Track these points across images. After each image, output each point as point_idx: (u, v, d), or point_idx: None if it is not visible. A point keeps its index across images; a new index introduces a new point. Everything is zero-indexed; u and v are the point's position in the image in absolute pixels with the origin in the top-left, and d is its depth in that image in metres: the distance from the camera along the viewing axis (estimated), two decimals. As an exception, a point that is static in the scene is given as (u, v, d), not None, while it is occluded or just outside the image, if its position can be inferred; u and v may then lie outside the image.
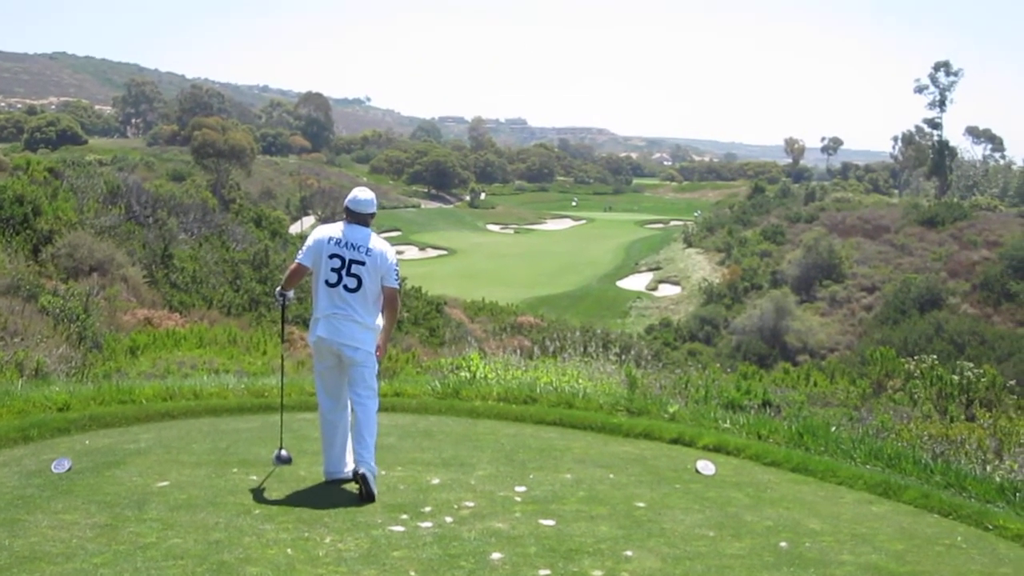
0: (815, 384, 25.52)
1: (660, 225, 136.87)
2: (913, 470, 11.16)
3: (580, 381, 16.35)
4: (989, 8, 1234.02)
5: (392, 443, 11.40)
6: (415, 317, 46.23)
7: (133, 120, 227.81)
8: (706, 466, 10.71)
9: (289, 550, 7.52)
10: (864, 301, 74.20)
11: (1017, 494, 10.48)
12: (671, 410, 13.71)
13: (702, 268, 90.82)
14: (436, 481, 9.75)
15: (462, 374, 16.96)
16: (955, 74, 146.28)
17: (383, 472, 9.89)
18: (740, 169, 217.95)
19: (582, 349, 19.93)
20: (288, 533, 7.91)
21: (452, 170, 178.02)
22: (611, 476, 10.26)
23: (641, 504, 9.30)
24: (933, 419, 17.62)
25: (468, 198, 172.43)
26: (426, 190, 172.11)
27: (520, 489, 9.53)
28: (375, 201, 10.05)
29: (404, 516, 8.49)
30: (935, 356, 22.15)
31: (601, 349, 20.23)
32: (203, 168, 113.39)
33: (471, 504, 8.99)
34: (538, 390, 14.96)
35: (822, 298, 76.75)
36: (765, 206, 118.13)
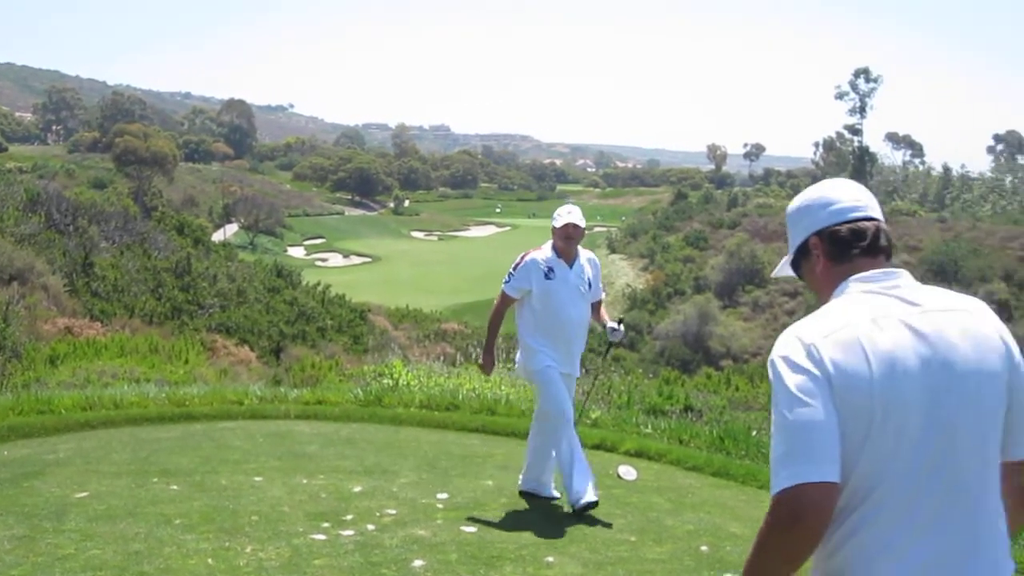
0: (737, 388, 25.61)
1: (586, 231, 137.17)
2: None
3: (503, 387, 16.40)
4: (908, 16, 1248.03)
5: (314, 451, 11.38)
6: (339, 325, 46.08)
7: (54, 127, 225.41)
8: (628, 471, 10.75)
9: (210, 560, 7.46)
10: (786, 306, 74.70)
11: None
12: (593, 416, 13.75)
13: (626, 274, 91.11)
14: (358, 489, 9.73)
15: (385, 381, 16.98)
16: (875, 80, 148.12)
17: (304, 481, 9.88)
18: (663, 175, 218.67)
19: (505, 356, 19.97)
20: (209, 543, 7.83)
21: (376, 177, 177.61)
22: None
23: (565, 509, 9.34)
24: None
25: (392, 205, 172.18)
26: (350, 197, 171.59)
27: (442, 496, 9.53)
28: None
29: (326, 524, 8.45)
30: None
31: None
32: (125, 176, 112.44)
33: (393, 511, 8.97)
34: (461, 397, 14.99)
35: (745, 303, 77.24)
36: (688, 212, 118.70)
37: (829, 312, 3.13)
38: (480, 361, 10.00)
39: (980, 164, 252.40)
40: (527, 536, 8.42)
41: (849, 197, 3.37)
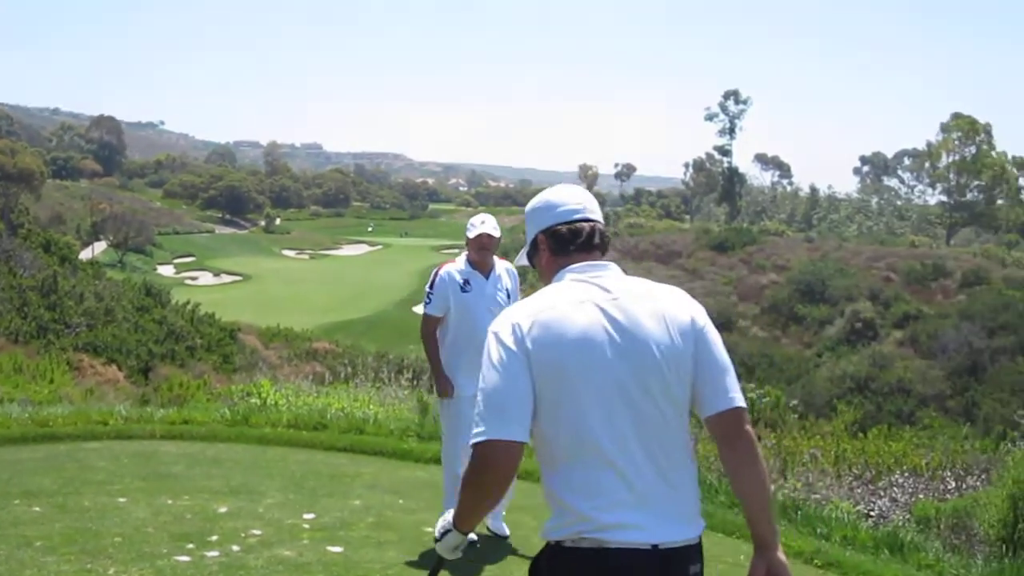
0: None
1: (456, 250, 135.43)
2: (699, 491, 11.42)
3: (371, 407, 16.38)
4: (777, 39, 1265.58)
5: (179, 471, 11.29)
6: (208, 344, 45.69)
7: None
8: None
9: (71, 582, 7.42)
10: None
11: (799, 512, 10.79)
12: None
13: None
14: (224, 510, 9.68)
15: (253, 400, 16.86)
16: (744, 102, 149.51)
17: (169, 501, 9.81)
18: (535, 195, 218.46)
19: (374, 374, 19.96)
20: (71, 565, 7.74)
21: (247, 195, 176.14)
22: (401, 501, 10.30)
23: (430, 529, 9.31)
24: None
25: (263, 223, 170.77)
26: (221, 215, 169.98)
27: (309, 516, 9.52)
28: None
29: (190, 545, 8.40)
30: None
31: (394, 374, 20.29)
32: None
33: (259, 532, 8.95)
34: (329, 416, 14.94)
35: (616, 322, 77.62)
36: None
37: (540, 296, 3.86)
38: (435, 390, 9.33)
39: (847, 185, 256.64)
40: (392, 555, 8.45)
41: (571, 201, 4.11)
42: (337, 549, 8.52)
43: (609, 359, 3.66)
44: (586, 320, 3.68)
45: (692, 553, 3.73)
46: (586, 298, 3.76)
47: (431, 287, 9.10)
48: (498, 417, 3.58)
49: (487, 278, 9.07)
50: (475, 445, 3.59)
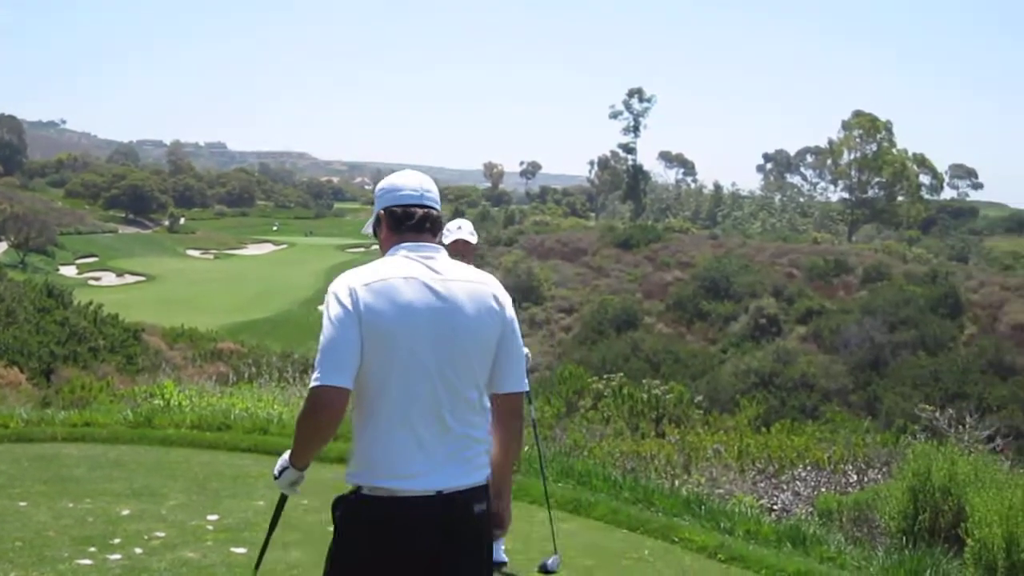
0: (528, 401, 25.77)
1: (361, 249, 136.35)
2: (603, 486, 11.47)
3: (276, 406, 16.32)
4: (680, 36, 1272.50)
5: (81, 474, 11.20)
6: (112, 345, 45.21)
7: None
8: (401, 489, 10.80)
9: (-30, 587, 7.34)
10: (563, 322, 75.31)
11: (703, 507, 10.87)
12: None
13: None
14: (126, 512, 9.61)
15: (156, 402, 16.74)
16: (648, 100, 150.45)
17: (71, 504, 9.72)
18: (441, 193, 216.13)
19: (279, 374, 19.87)
20: (-30, 570, 7.68)
21: (150, 195, 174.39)
22: (305, 501, 10.25)
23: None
24: (625, 436, 18.08)
25: (167, 223, 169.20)
26: (124, 215, 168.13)
27: (212, 517, 9.47)
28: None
29: (92, 548, 8.33)
30: (623, 375, 22.74)
31: (299, 374, 20.20)
32: None
33: (161, 534, 8.89)
34: (233, 416, 14.89)
35: (523, 320, 76.76)
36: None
37: (375, 266, 4.43)
38: None
39: (750, 182, 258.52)
40: (297, 556, 8.44)
41: (411, 186, 4.76)
42: (241, 550, 8.48)
43: (426, 330, 4.26)
44: (412, 293, 4.28)
45: (476, 494, 4.36)
46: (414, 274, 4.36)
47: None
48: (332, 366, 4.14)
49: None
50: (312, 389, 4.14)
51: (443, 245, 7.83)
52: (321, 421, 4.18)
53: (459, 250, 8.24)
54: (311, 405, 4.17)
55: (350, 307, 4.21)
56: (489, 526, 4.47)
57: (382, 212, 4.73)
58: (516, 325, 4.58)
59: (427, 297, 4.30)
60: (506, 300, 4.57)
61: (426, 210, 4.71)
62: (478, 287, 4.50)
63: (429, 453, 4.23)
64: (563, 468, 12.14)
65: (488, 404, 4.48)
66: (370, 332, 4.19)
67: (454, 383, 4.30)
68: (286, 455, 4.50)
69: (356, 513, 4.31)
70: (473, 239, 8.59)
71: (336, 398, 4.12)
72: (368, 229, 4.90)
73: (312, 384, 4.14)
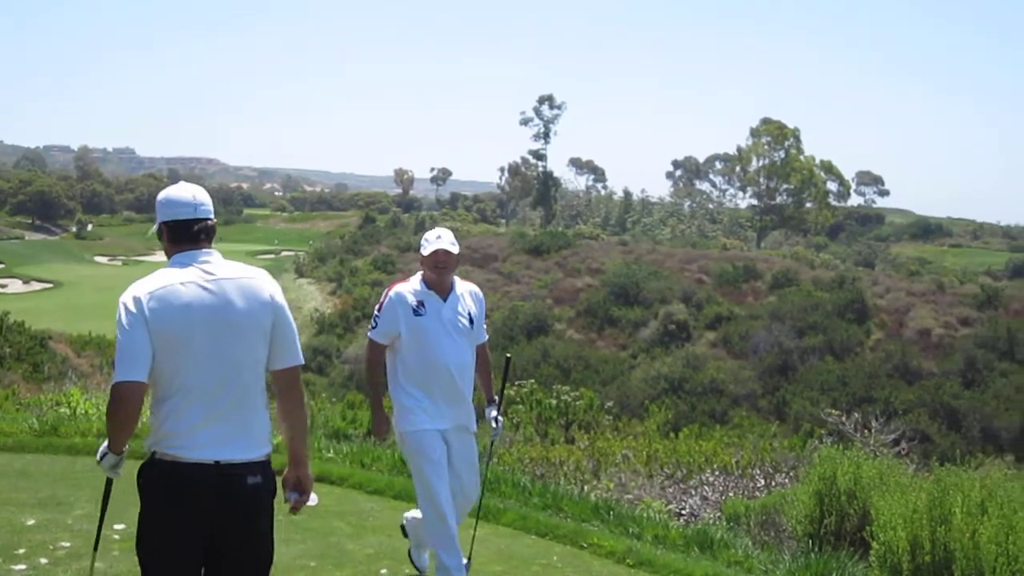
0: (423, 411, 25.86)
1: (272, 256, 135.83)
2: (512, 493, 11.49)
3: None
4: (590, 44, 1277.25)
5: (-14, 484, 11.07)
6: (17, 353, 44.70)
7: None
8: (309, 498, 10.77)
9: None
10: (476, 327, 75.26)
11: (611, 512, 10.91)
12: (274, 441, 13.70)
13: (314, 298, 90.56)
14: (31, 522, 9.52)
15: (62, 410, 16.57)
16: (558, 107, 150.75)
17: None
18: (351, 199, 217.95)
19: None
20: None
21: (57, 200, 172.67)
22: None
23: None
24: (534, 442, 18.13)
25: (75, 229, 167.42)
26: (30, 221, 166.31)
27: (120, 527, 9.36)
28: None
29: (-4, 559, 8.26)
30: (533, 381, 22.79)
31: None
32: None
33: (67, 544, 8.82)
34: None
35: (433, 327, 77.32)
36: (376, 236, 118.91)
37: (158, 275, 5.15)
38: (372, 428, 8.57)
39: (660, 189, 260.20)
40: (205, 564, 8.38)
41: (185, 201, 5.34)
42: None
43: (205, 323, 5.06)
44: (189, 295, 5.05)
45: (252, 468, 5.18)
46: (191, 278, 5.11)
47: (379, 310, 8.14)
48: (127, 365, 4.91)
49: (445, 300, 8.13)
50: (112, 386, 4.94)
51: (422, 255, 8.07)
52: (124, 411, 4.97)
53: (440, 260, 8.04)
54: (113, 399, 4.95)
55: (137, 313, 4.98)
56: (265, 496, 5.30)
57: (163, 225, 5.35)
58: (286, 311, 5.35)
59: (203, 296, 5.09)
60: (275, 290, 5.34)
61: (200, 222, 5.33)
62: (248, 282, 5.25)
63: (213, 430, 5.05)
64: (473, 475, 12.16)
65: (263, 387, 5.33)
66: (157, 332, 4.97)
67: (233, 367, 5.14)
68: (105, 443, 5.26)
69: (150, 474, 5.14)
70: (455, 249, 8.10)
71: (134, 390, 4.92)
72: (153, 230, 5.45)
73: (113, 382, 4.94)
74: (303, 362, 5.44)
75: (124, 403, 4.93)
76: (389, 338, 8.05)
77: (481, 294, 8.55)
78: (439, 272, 8.05)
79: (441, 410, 7.98)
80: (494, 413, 8.60)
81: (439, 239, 8.05)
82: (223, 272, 5.21)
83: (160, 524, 5.12)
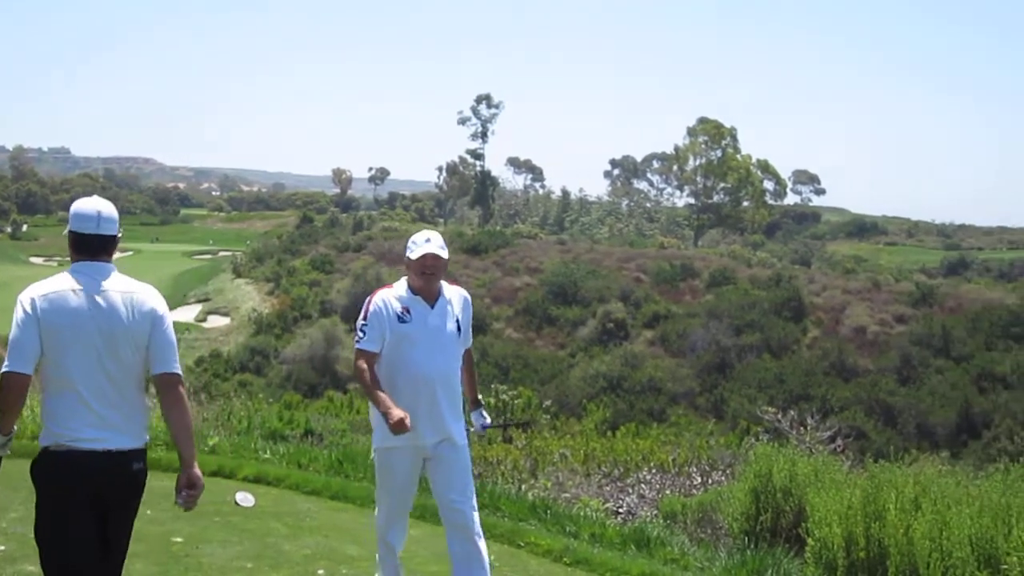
0: (359, 412, 25.77)
1: (209, 256, 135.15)
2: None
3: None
4: (527, 42, 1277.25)
5: (-83, 488, 10.95)
6: (-50, 355, 44.27)
7: None
8: (245, 498, 10.74)
9: None
10: (411, 328, 74.99)
11: (548, 511, 10.94)
12: (211, 442, 13.67)
13: (252, 298, 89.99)
14: (-38, 526, 9.43)
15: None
16: (496, 107, 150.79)
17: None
18: (289, 199, 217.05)
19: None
20: None
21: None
22: (148, 512, 10.07)
23: (178, 539, 9.26)
24: (472, 441, 18.12)
25: (9, 230, 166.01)
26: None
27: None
28: None
29: (-72, 563, 8.18)
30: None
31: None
32: None
33: (2, 547, 8.75)
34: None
35: (371, 326, 77.07)
36: (314, 236, 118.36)
37: (55, 279, 5.76)
38: (390, 423, 7.01)
39: (598, 188, 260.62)
40: (140, 568, 8.34)
41: (90, 215, 5.90)
42: (83, 562, 8.35)
43: (91, 329, 5.61)
44: (79, 302, 5.61)
45: (134, 455, 5.78)
46: (83, 287, 5.66)
47: (364, 318, 7.59)
48: (16, 358, 5.48)
49: (432, 307, 7.64)
50: (2, 374, 5.47)
51: (408, 259, 7.65)
52: (10, 398, 5.54)
53: (428, 265, 7.58)
54: (1, 386, 5.48)
55: (31, 312, 5.55)
56: (143, 482, 5.94)
57: (71, 234, 5.93)
58: (165, 324, 5.90)
59: (91, 304, 5.63)
60: (157, 304, 5.91)
61: (101, 236, 5.87)
62: (133, 296, 5.80)
63: (102, 422, 5.61)
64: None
65: (142, 386, 5.96)
66: (46, 331, 5.54)
67: (116, 369, 5.69)
68: None
69: (45, 464, 5.68)
70: (444, 253, 7.63)
71: (19, 381, 5.51)
72: (65, 233, 5.96)
73: (2, 371, 5.48)
74: (178, 371, 5.91)
75: (9, 391, 5.51)
76: (379, 345, 7.45)
77: (469, 297, 8.07)
78: (427, 278, 7.59)
79: (421, 425, 7.31)
80: (483, 417, 8.35)
81: (428, 243, 7.60)
82: (113, 285, 5.78)
83: (57, 510, 5.63)
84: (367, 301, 7.70)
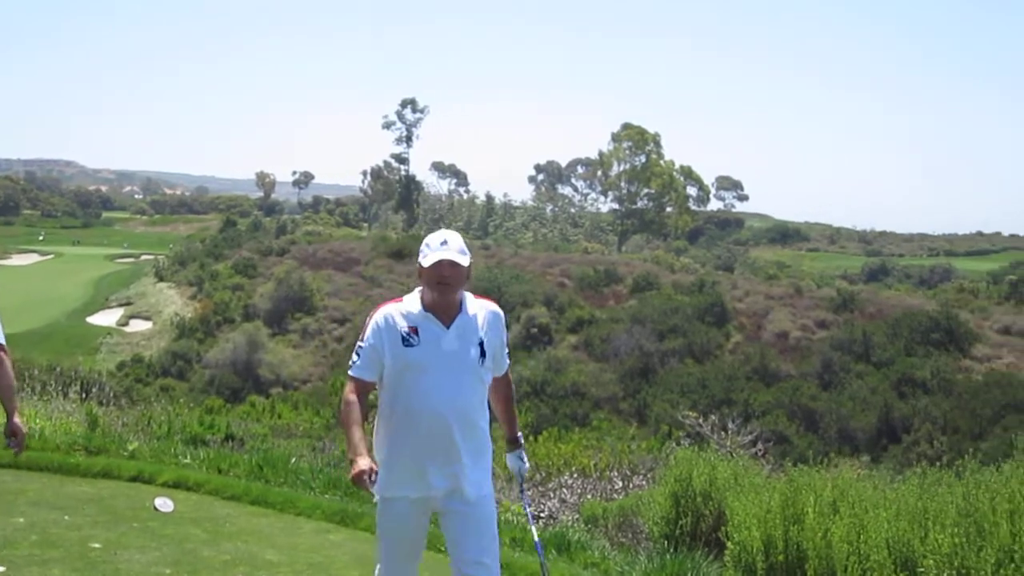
0: (280, 416, 25.71)
1: (131, 259, 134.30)
2: (370, 497, 11.46)
3: (38, 421, 15.93)
4: (450, 47, 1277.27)
5: None
6: None
7: None
8: (164, 503, 10.67)
9: None
10: (336, 332, 74.85)
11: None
12: (131, 448, 13.57)
13: (174, 302, 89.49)
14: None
15: None
16: (421, 111, 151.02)
17: None
18: (212, 203, 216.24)
19: (42, 388, 19.43)
20: None
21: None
22: (66, 517, 10.06)
23: (97, 545, 9.18)
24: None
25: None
26: None
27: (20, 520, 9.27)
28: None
29: None
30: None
31: (63, 388, 19.79)
32: None
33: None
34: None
35: (294, 330, 77.02)
36: (237, 240, 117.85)
37: None
38: (350, 474, 5.69)
39: (522, 193, 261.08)
40: (57, 573, 8.28)
41: None
42: (0, 568, 8.27)
43: None
44: None
45: None
46: None
47: (362, 338, 6.25)
48: None
49: (448, 326, 6.13)
50: None
51: (420, 267, 6.13)
52: None
53: (444, 275, 6.11)
54: None
55: None
56: None
57: None
58: None
59: None
60: None
61: None
62: None
63: None
64: (330, 480, 12.13)
65: None
66: None
67: None
68: None
69: None
70: (465, 260, 6.16)
71: None
72: None
73: None
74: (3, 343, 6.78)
75: None
76: (375, 373, 6.11)
77: (501, 313, 6.48)
78: (442, 291, 6.13)
79: (428, 472, 6.00)
80: (522, 461, 6.80)
81: (444, 246, 6.14)
82: None
83: None
84: (369, 317, 6.33)
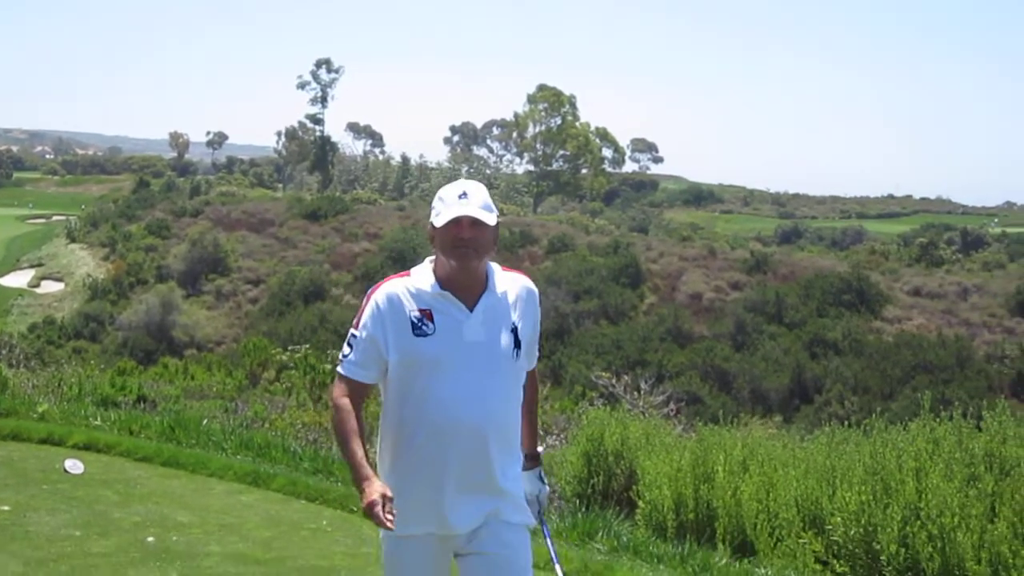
0: (192, 378, 25.57)
1: (42, 220, 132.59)
2: (283, 458, 11.45)
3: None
4: (364, 7, 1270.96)
5: None
6: None
7: None
8: (74, 465, 10.60)
9: None
10: (250, 294, 74.44)
11: (383, 476, 10.94)
12: (40, 410, 13.46)
13: (86, 264, 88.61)
14: None
15: None
16: (336, 71, 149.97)
17: None
18: (125, 163, 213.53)
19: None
20: None
21: None
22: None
23: (5, 508, 9.12)
24: (307, 407, 18.07)
25: None
26: None
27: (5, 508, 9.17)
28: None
29: None
30: (309, 346, 22.71)
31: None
32: None
33: None
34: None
35: (208, 292, 76.49)
36: (150, 200, 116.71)
37: None
38: (362, 505, 4.40)
39: (438, 154, 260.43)
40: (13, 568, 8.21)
41: None
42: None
43: None
44: None
45: None
46: None
47: (357, 322, 4.91)
48: None
49: (472, 309, 4.76)
50: None
51: (432, 227, 4.77)
52: None
53: (463, 237, 4.70)
54: None
55: None
56: None
57: None
58: None
59: None
60: None
61: None
62: None
63: None
64: (242, 441, 12.12)
65: None
66: None
67: None
68: None
69: None
70: (490, 217, 4.75)
71: None
72: None
73: None
74: None
75: None
76: (374, 372, 4.78)
77: (535, 290, 5.22)
78: (462, 258, 4.69)
79: (449, 501, 4.65)
80: (542, 483, 5.26)
81: (463, 199, 4.73)
82: None
83: None
84: (368, 295, 4.98)
